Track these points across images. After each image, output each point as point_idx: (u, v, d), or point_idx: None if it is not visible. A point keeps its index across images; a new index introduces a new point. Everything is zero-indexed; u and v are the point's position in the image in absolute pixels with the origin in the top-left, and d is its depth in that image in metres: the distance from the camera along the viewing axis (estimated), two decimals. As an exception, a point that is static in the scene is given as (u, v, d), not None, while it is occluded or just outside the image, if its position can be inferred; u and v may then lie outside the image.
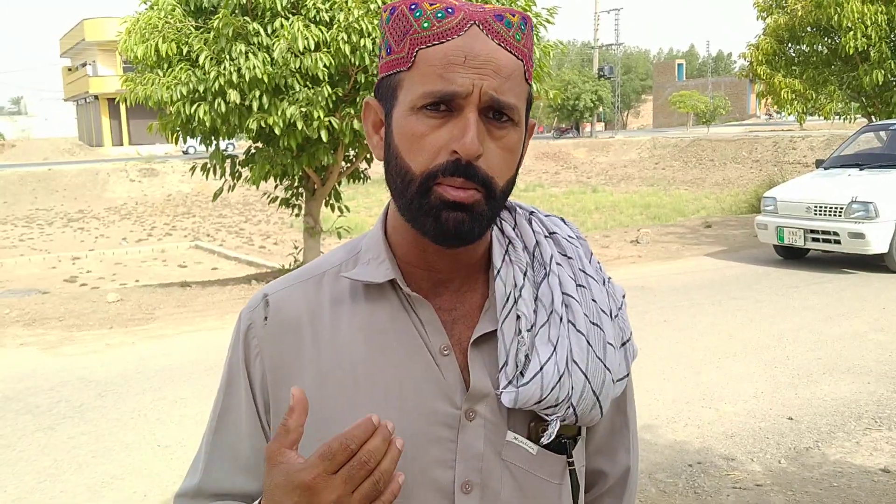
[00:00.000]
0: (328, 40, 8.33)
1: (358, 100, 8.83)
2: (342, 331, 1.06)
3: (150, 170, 34.57)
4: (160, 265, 16.93)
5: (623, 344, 1.10)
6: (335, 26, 8.27)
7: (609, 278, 1.14)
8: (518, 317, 1.03)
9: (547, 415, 1.03)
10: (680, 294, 9.12)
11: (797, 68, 15.27)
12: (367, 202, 25.59)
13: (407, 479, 1.01)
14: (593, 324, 1.06)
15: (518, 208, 1.13)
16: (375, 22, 8.30)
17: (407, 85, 0.98)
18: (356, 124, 8.67)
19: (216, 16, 8.46)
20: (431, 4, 0.97)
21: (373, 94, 1.07)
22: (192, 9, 9.13)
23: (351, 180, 11.11)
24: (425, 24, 0.96)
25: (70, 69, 59.33)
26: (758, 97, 17.28)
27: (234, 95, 8.34)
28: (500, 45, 0.96)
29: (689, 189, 29.01)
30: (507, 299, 1.04)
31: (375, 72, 8.70)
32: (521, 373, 1.01)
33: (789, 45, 15.36)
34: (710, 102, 51.55)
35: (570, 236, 1.13)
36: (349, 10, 8.16)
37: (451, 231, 0.97)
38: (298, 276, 1.13)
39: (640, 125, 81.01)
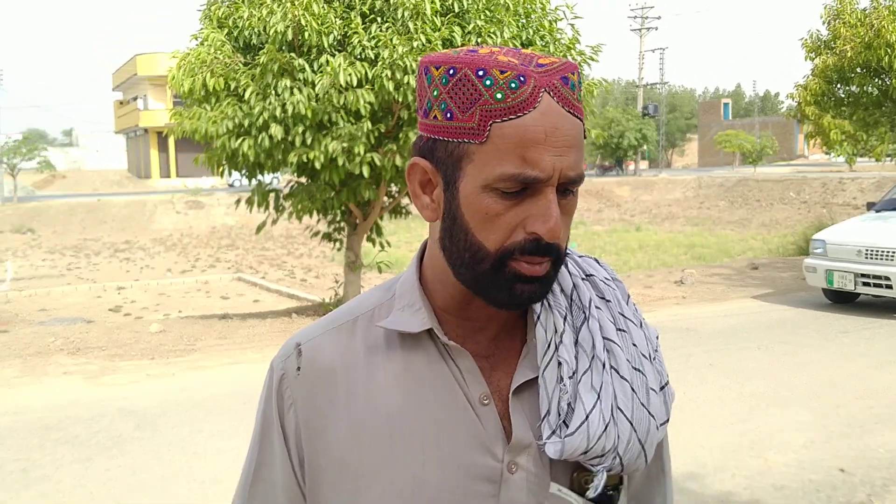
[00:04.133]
0: (371, 77, 8.38)
1: (401, 136, 8.84)
2: (377, 380, 1.04)
3: (195, 202, 35.09)
4: (203, 296, 17.07)
5: (662, 387, 1.06)
6: (380, 63, 8.32)
7: (644, 319, 1.11)
8: (560, 363, 1.01)
9: (592, 465, 0.99)
10: (726, 337, 8.92)
11: (847, 109, 15.04)
12: (408, 237, 25.63)
13: None
14: (636, 369, 1.03)
15: None
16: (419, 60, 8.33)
17: (479, 160, 0.93)
18: (398, 160, 8.68)
19: (262, 51, 8.56)
20: (503, 72, 0.92)
21: (416, 153, 1.01)
22: (241, 45, 9.26)
23: (393, 215, 11.13)
24: (499, 95, 0.91)
25: (121, 103, 60.79)
26: (806, 138, 17.02)
27: (277, 130, 8.41)
28: (569, 111, 0.94)
29: (735, 230, 28.61)
30: (549, 346, 1.01)
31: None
32: (564, 422, 0.98)
33: (838, 85, 15.14)
34: (756, 142, 51.08)
35: (606, 279, 1.10)
36: (394, 47, 8.21)
37: (525, 302, 0.98)
38: (331, 321, 1.11)
39: (685, 164, 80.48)
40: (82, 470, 5.24)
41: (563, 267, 1.07)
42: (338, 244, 10.94)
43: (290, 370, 1.08)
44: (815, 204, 32.96)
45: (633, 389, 1.01)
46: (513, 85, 0.91)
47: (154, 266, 22.84)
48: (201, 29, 9.36)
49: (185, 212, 34.24)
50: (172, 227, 32.75)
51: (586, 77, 10.27)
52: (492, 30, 8.81)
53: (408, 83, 8.27)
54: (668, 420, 1.06)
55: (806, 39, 15.06)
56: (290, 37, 8.61)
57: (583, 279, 1.08)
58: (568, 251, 1.10)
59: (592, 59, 9.76)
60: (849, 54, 13.73)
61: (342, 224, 10.82)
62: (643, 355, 1.05)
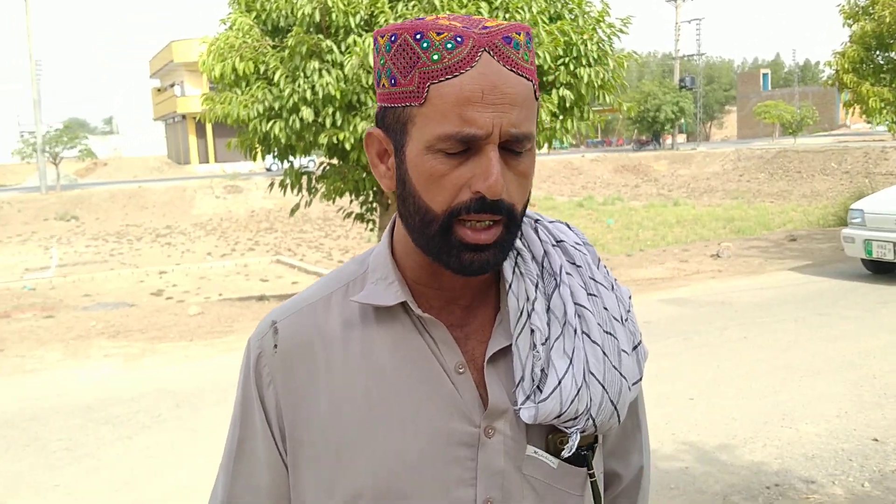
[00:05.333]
0: (400, 56, 8.40)
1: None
2: (354, 354, 1.05)
3: (234, 187, 35.45)
4: (242, 279, 17.30)
5: (635, 348, 1.08)
6: (408, 42, 8.33)
7: (616, 281, 1.12)
8: (532, 331, 1.02)
9: (566, 427, 1.02)
10: (761, 310, 8.85)
11: (886, 76, 14.73)
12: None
13: (428, 499, 1.02)
14: (607, 333, 1.05)
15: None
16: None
17: (420, 122, 0.94)
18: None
19: (290, 34, 8.61)
20: (439, 34, 0.92)
21: (374, 123, 1.03)
22: (269, 28, 9.32)
23: (425, 194, 11.16)
24: (435, 56, 0.92)
25: (159, 90, 61.37)
26: (845, 106, 16.71)
27: (307, 112, 8.47)
28: (511, 70, 0.93)
29: (775, 202, 28.24)
30: (521, 314, 1.03)
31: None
32: (538, 388, 1.00)
33: (877, 52, 14.84)
34: (796, 112, 50.20)
35: (576, 243, 1.11)
36: (421, 25, 8.22)
37: (476, 270, 0.97)
38: (306, 297, 1.12)
39: (724, 136, 79.42)
40: (123, 448, 5.38)
41: (534, 234, 1.08)
42: (370, 224, 11.02)
43: (266, 348, 1.09)
44: (857, 174, 32.37)
45: (604, 353, 1.02)
46: (449, 45, 0.91)
47: (195, 250, 23.16)
48: (230, 13, 9.44)
49: (224, 196, 34.62)
50: (212, 211, 33.14)
51: (620, 50, 10.17)
52: (519, 5, 8.77)
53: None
54: (640, 379, 1.09)
55: (843, 5, 14.77)
56: (317, 18, 8.65)
57: (553, 245, 1.09)
58: (538, 217, 1.11)
59: (622, 32, 9.67)
60: (887, 20, 13.45)
61: (374, 204, 10.88)
62: (614, 318, 1.06)
